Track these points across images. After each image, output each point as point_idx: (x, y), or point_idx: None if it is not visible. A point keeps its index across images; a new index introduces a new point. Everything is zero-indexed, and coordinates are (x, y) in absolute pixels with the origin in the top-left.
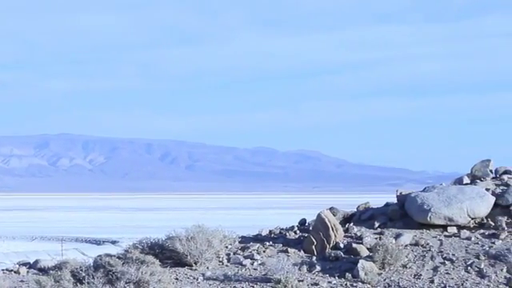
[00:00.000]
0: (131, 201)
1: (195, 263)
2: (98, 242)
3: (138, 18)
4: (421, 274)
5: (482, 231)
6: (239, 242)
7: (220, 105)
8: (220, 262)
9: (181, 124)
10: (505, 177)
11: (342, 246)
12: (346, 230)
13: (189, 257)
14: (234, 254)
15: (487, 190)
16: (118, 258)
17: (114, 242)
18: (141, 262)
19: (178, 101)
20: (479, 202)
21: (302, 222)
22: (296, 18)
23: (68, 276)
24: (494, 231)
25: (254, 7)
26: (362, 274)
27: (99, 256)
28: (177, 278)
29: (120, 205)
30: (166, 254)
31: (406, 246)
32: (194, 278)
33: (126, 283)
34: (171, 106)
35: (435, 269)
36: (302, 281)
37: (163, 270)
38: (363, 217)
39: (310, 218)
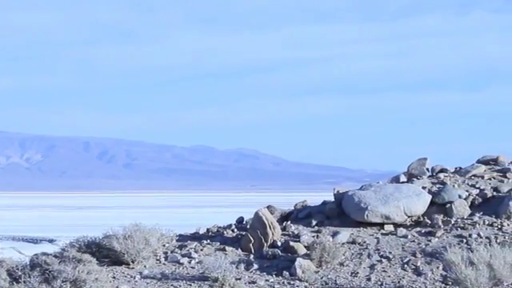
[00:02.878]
0: (69, 199)
1: (132, 262)
2: (34, 241)
3: (73, 15)
4: (358, 272)
5: (418, 229)
6: (177, 241)
7: (158, 103)
8: (157, 260)
9: (119, 122)
10: (441, 175)
11: (279, 244)
12: (284, 229)
13: (126, 255)
14: (172, 252)
15: (424, 188)
16: (55, 256)
17: (51, 241)
18: (78, 261)
19: (115, 99)
20: (416, 200)
21: (240, 221)
22: (233, 15)
23: (4, 275)
24: (430, 229)
25: (191, 5)
26: (299, 271)
27: (36, 255)
28: (114, 277)
29: (57, 203)
30: (103, 252)
31: (343, 244)
32: (132, 277)
33: (63, 282)
34: (109, 104)
35: (372, 267)
36: (240, 279)
37: (100, 269)
38: (300, 215)
39: (248, 216)
